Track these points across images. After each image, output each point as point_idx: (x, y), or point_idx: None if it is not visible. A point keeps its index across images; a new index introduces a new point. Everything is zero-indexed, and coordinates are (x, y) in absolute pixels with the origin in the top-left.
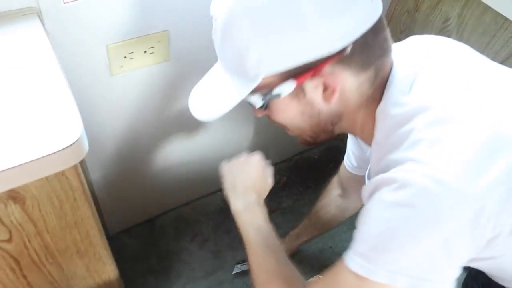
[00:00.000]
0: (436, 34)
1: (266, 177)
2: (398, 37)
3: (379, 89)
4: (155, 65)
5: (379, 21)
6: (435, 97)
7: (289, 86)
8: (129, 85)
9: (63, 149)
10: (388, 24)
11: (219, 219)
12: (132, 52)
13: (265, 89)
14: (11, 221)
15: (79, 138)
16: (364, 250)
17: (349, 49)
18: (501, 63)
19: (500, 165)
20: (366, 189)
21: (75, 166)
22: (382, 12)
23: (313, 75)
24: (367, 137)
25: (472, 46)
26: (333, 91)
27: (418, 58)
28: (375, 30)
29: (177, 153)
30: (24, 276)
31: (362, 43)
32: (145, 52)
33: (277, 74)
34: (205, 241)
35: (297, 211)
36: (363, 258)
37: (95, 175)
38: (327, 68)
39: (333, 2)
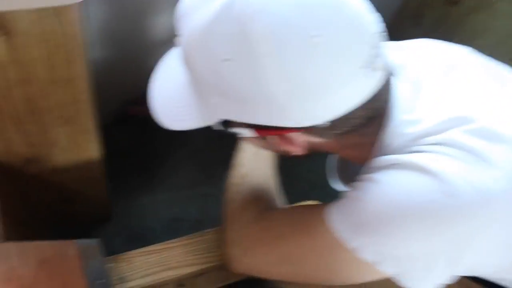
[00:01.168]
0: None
1: None
2: None
3: (372, 132)
4: None
5: (377, 93)
6: (445, 107)
7: (248, 132)
8: None
9: None
10: None
11: (216, 132)
12: None
13: (224, 123)
14: None
15: None
16: (359, 222)
17: (321, 125)
18: None
19: None
20: (373, 163)
21: (74, 10)
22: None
23: (275, 135)
24: (355, 159)
25: None
26: (298, 150)
27: (421, 65)
28: (365, 105)
29: None
30: (5, 130)
31: (342, 120)
32: None
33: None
34: (197, 151)
35: None
36: (354, 229)
37: (97, 54)
38: (291, 134)
39: (306, 87)
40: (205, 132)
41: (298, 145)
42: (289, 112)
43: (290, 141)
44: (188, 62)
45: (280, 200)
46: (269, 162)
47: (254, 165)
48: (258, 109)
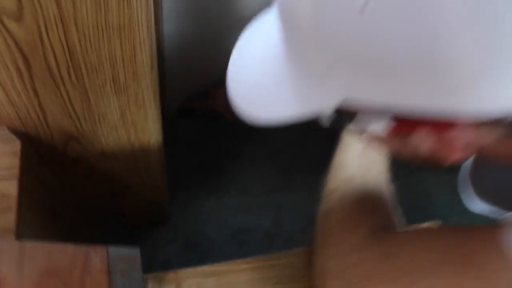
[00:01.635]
0: None
1: None
2: None
3: None
4: None
5: None
6: None
7: (384, 126)
8: None
9: None
10: None
11: (299, 131)
12: None
13: (342, 111)
14: None
15: None
16: None
17: None
18: None
19: None
20: None
21: None
22: None
23: (433, 130)
24: None
25: None
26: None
27: None
28: None
29: None
30: (35, 92)
31: None
32: None
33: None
34: (276, 152)
35: None
36: None
37: (169, 25)
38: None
39: None
40: (288, 129)
41: (459, 148)
42: (473, 89)
43: (451, 141)
44: (297, 16)
45: (398, 216)
46: (382, 164)
47: (362, 167)
48: (417, 83)
